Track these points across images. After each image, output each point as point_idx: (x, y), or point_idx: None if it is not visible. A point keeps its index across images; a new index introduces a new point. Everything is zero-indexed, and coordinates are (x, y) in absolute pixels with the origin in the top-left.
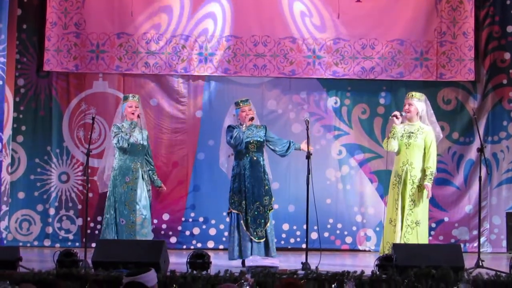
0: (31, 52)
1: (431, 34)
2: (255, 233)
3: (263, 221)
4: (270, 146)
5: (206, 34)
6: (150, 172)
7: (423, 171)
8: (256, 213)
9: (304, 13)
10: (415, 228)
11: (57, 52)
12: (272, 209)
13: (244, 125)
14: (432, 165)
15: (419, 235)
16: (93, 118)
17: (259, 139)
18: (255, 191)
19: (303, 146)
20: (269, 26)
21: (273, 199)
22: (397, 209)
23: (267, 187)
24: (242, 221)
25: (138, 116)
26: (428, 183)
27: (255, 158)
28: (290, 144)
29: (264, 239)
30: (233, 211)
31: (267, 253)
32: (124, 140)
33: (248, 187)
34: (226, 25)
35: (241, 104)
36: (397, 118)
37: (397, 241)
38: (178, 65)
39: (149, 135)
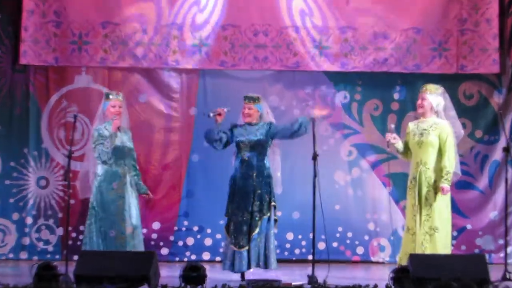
0: (5, 43)
1: (451, 21)
2: (236, 241)
3: (245, 228)
4: (281, 137)
5: (201, 22)
6: (135, 177)
7: (439, 171)
8: (240, 219)
9: None
10: (433, 235)
11: (35, 43)
12: (265, 215)
13: (217, 122)
14: (447, 164)
15: (438, 243)
16: (75, 117)
17: (253, 138)
18: (243, 194)
19: (316, 112)
20: (271, 13)
21: (272, 204)
22: (414, 215)
23: (260, 191)
24: (224, 227)
25: (119, 129)
26: (443, 185)
27: (246, 159)
28: (299, 121)
29: (245, 248)
30: (225, 216)
31: (250, 265)
32: (105, 153)
33: (237, 190)
34: (223, 13)
35: (244, 101)
36: (394, 139)
37: (416, 251)
38: (170, 57)
39: (138, 135)
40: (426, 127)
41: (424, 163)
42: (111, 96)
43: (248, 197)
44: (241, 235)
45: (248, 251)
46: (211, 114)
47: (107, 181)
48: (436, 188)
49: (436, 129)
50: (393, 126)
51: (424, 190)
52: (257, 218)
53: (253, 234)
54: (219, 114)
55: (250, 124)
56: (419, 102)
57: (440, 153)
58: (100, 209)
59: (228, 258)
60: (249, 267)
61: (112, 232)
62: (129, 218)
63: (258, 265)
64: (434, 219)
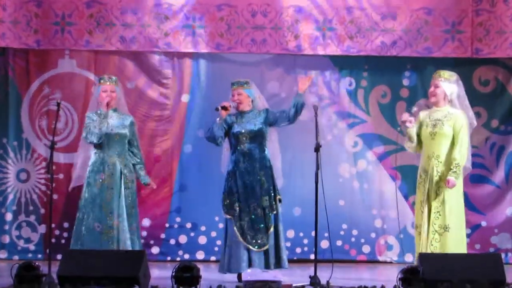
0: None
1: (465, 1)
2: (253, 241)
3: (262, 225)
4: (281, 124)
5: (194, 1)
6: (136, 166)
7: (449, 164)
8: (253, 216)
9: None
10: (443, 235)
11: (14, 24)
12: (275, 210)
13: (219, 118)
14: (458, 156)
15: (449, 243)
16: (58, 104)
17: (253, 128)
18: (249, 190)
19: (301, 86)
20: None
21: (278, 197)
22: (422, 212)
23: (266, 184)
24: (235, 227)
25: (107, 104)
26: (450, 177)
27: (247, 151)
28: (292, 103)
29: (265, 247)
30: (225, 215)
31: (269, 265)
32: (93, 134)
33: (241, 185)
34: None
35: (232, 87)
36: (409, 122)
37: (423, 250)
38: (161, 40)
39: None
40: (440, 117)
41: (437, 156)
42: (102, 81)
43: (256, 192)
44: (260, 234)
45: (265, 250)
46: (219, 108)
47: (95, 171)
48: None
49: (451, 119)
50: (415, 109)
51: (435, 185)
52: (270, 214)
53: (269, 231)
54: (226, 109)
55: (243, 112)
56: (431, 90)
57: (452, 144)
58: (88, 202)
59: (244, 260)
60: (267, 267)
61: (98, 226)
62: (117, 211)
63: (275, 265)
64: (445, 217)
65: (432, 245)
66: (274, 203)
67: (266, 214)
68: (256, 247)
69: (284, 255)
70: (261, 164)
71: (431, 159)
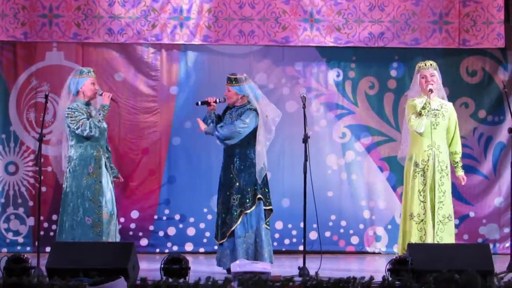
0: None
1: None
2: (215, 234)
3: (219, 222)
4: None
5: None
6: (108, 159)
7: (449, 156)
8: (220, 212)
9: None
10: (447, 224)
11: (1, 17)
12: (247, 210)
13: (207, 111)
14: (460, 150)
15: (451, 232)
16: (46, 96)
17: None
18: (222, 186)
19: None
20: None
21: (257, 196)
22: (423, 202)
23: (238, 184)
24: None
25: (112, 99)
26: (463, 173)
27: (225, 147)
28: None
29: (221, 242)
30: None
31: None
32: (96, 127)
33: (219, 181)
34: None
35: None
36: (431, 92)
37: (430, 241)
38: (148, 32)
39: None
40: (437, 107)
41: (438, 146)
42: (89, 73)
43: (224, 189)
44: (217, 229)
45: (227, 246)
46: (199, 103)
47: (81, 165)
48: (448, 174)
49: (447, 111)
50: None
51: (438, 176)
52: (235, 213)
53: (232, 229)
54: (208, 104)
55: (232, 107)
56: (429, 79)
57: (448, 136)
58: (75, 196)
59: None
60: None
61: (88, 220)
62: (106, 204)
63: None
64: (447, 207)
65: (437, 235)
66: (251, 202)
67: (231, 212)
68: (217, 240)
69: (266, 251)
70: (240, 162)
71: (432, 148)
